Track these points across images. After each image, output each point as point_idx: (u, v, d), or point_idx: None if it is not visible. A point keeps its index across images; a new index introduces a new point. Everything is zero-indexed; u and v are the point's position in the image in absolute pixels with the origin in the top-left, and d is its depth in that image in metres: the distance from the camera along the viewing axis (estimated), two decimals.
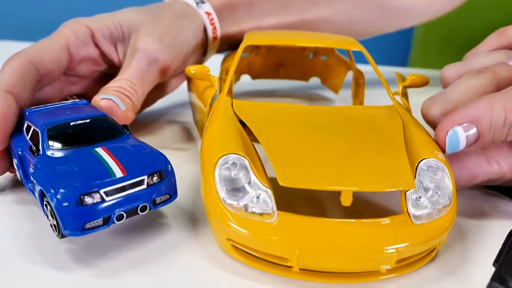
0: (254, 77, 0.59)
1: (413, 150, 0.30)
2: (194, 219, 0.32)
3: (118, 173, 0.28)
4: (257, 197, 0.27)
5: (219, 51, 0.51)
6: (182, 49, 0.44)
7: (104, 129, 0.32)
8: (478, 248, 0.30)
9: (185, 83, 0.49)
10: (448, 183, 0.28)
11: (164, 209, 0.32)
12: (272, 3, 0.51)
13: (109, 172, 0.28)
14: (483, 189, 0.37)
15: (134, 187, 0.28)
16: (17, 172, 0.33)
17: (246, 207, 0.27)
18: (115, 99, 0.37)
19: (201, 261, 0.28)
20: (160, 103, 0.51)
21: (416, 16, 0.60)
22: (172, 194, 0.30)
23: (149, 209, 0.28)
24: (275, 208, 0.26)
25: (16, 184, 0.35)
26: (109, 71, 0.45)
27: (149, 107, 0.50)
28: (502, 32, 0.41)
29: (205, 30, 0.47)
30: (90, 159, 0.29)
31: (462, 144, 0.30)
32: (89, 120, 0.32)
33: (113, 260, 0.28)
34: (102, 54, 0.43)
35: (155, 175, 0.29)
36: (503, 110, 0.30)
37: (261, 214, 0.26)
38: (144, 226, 0.31)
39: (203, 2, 0.47)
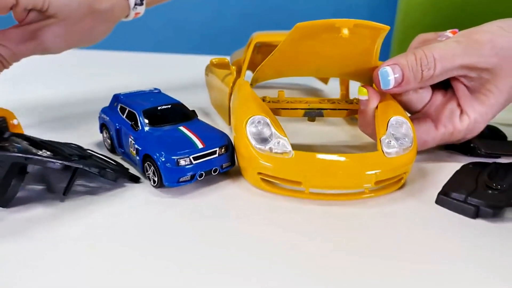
0: None
1: (386, 112, 0.42)
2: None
3: (200, 145, 0.39)
4: (278, 143, 0.38)
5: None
6: None
7: (181, 113, 0.44)
8: (434, 182, 0.41)
9: None
10: (410, 132, 0.40)
11: None
12: None
13: (193, 144, 0.39)
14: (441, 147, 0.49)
15: (210, 155, 0.39)
16: (105, 142, 0.45)
17: (271, 149, 0.38)
18: None
19: (236, 190, 0.40)
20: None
21: None
22: (232, 162, 0.41)
23: (218, 172, 0.40)
24: (291, 149, 0.38)
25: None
26: None
27: None
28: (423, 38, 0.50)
29: None
30: (178, 134, 0.40)
31: (392, 80, 0.41)
32: (170, 106, 0.44)
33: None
34: None
35: (223, 148, 0.40)
36: (412, 53, 0.42)
37: (282, 153, 0.38)
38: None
39: None
